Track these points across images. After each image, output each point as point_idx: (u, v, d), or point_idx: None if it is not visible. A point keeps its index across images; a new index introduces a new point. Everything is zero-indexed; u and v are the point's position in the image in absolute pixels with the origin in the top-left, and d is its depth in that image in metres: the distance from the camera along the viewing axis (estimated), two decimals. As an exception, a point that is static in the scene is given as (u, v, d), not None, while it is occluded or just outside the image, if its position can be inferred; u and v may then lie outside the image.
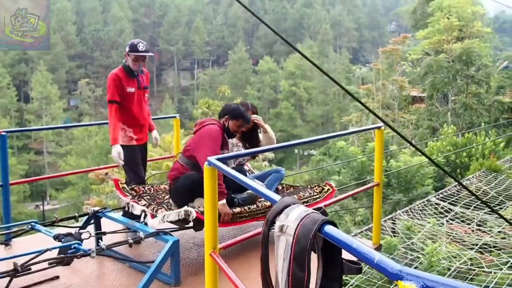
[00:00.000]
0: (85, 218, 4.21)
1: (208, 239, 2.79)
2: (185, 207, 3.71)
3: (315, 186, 4.85)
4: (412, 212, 10.98)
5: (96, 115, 64.36)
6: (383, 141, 4.15)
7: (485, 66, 30.22)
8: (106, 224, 4.20)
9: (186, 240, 4.48)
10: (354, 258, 1.52)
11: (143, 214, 3.90)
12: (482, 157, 17.44)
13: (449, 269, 8.16)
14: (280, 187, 4.93)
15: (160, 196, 4.54)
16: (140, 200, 4.26)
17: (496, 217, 11.38)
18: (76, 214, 4.12)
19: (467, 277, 8.11)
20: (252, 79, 69.94)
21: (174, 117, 6.27)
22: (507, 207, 12.02)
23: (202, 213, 3.66)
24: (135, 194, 4.43)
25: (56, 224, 3.94)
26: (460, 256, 9.01)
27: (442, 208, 11.42)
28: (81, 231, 3.43)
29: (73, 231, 3.43)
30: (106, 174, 4.73)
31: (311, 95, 64.70)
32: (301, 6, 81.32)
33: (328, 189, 4.71)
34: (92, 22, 74.20)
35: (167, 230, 3.75)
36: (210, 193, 2.74)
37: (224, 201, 3.80)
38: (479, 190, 12.74)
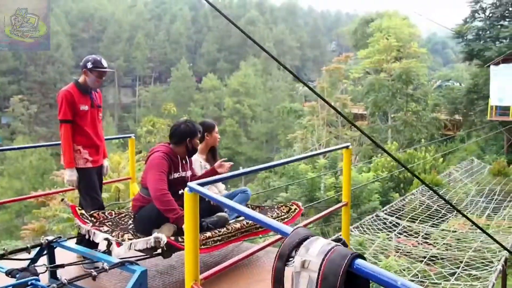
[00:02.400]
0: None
1: (189, 270, 2.65)
2: (155, 234, 3.56)
3: (282, 206, 4.75)
4: (362, 227, 11.21)
5: (30, 133, 61.23)
6: (350, 160, 4.20)
7: (422, 85, 31.61)
8: (60, 255, 3.83)
9: (148, 268, 4.22)
10: None
11: (106, 242, 3.63)
12: (424, 172, 18.09)
13: None
14: None
15: (123, 222, 4.28)
16: (102, 227, 3.98)
17: (440, 230, 11.84)
18: (28, 246, 3.72)
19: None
20: (195, 96, 69.42)
21: (129, 137, 6.02)
22: (449, 219, 12.53)
23: (175, 239, 3.62)
24: (95, 220, 4.13)
25: (4, 257, 3.54)
26: (410, 269, 9.27)
27: (390, 222, 11.72)
28: (35, 265, 3.17)
29: (23, 264, 3.17)
30: (62, 199, 4.47)
31: (255, 113, 64.90)
32: (245, 23, 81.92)
33: (295, 209, 4.63)
34: (27, 36, 71.56)
35: (133, 259, 3.54)
36: (192, 221, 2.61)
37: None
38: (423, 204, 13.20)
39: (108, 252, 3.68)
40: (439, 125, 31.45)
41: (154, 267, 4.21)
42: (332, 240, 1.65)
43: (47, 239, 3.72)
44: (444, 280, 8.57)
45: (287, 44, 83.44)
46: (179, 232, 3.74)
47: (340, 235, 3.66)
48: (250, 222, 4.12)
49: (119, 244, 3.56)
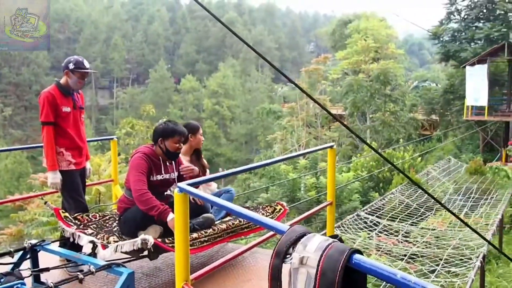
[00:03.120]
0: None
1: (180, 270, 2.64)
2: (142, 236, 3.53)
3: (266, 206, 4.74)
4: (343, 227, 11.26)
5: (5, 136, 60.28)
6: (335, 160, 4.21)
7: (400, 86, 31.97)
8: (44, 259, 3.76)
9: (134, 270, 4.18)
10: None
11: (92, 245, 3.62)
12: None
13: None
14: None
15: (107, 224, 4.23)
16: (86, 230, 3.94)
17: (420, 228, 11.98)
18: (11, 250, 3.69)
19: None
20: (174, 98, 69.12)
21: (112, 138, 5.99)
22: (428, 217, 12.69)
23: (161, 241, 3.58)
24: (79, 223, 4.08)
25: None
26: (391, 267, 9.36)
27: (370, 221, 11.80)
28: (19, 269, 3.12)
29: (7, 268, 3.13)
30: (45, 202, 4.40)
31: (235, 114, 64.84)
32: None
33: (280, 209, 4.62)
34: None
35: (120, 261, 3.50)
36: (182, 221, 2.59)
37: (172, 215, 3.58)
38: (402, 203, 13.34)
39: (93, 254, 3.63)
40: (416, 125, 31.87)
41: (139, 269, 4.17)
42: (329, 237, 1.67)
43: (30, 243, 3.66)
44: (425, 278, 8.65)
45: (266, 45, 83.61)
46: (165, 234, 3.73)
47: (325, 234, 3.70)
48: (236, 222, 4.14)
49: (104, 247, 3.53)
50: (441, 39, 28.38)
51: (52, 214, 13.84)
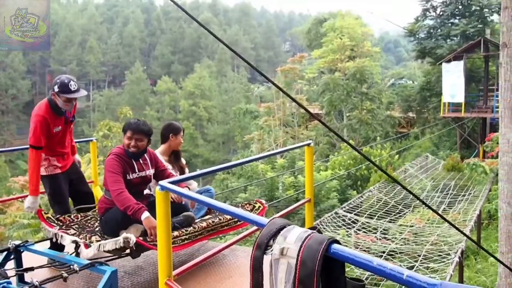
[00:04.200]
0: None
1: (163, 266, 2.69)
2: (124, 234, 3.59)
3: (246, 204, 4.86)
4: (322, 225, 11.27)
5: (-17, 142, 59.64)
6: (312, 158, 4.22)
7: (376, 84, 32.19)
8: (28, 259, 3.83)
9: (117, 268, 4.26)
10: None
11: (74, 244, 3.71)
12: (380, 169, 18.38)
13: (360, 277, 8.40)
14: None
15: (89, 224, 4.31)
16: (69, 230, 4.03)
17: (398, 225, 12.06)
18: None
19: (378, 283, 8.46)
20: (151, 100, 68.79)
21: (91, 140, 5.99)
22: (406, 214, 12.78)
23: (143, 239, 3.66)
24: (61, 224, 4.17)
25: None
26: (367, 255, 9.36)
27: (349, 219, 11.83)
28: (4, 269, 3.17)
29: None
30: (28, 207, 4.43)
31: (211, 115, 64.76)
32: (198, 25, 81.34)
33: (259, 206, 4.71)
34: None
35: (102, 259, 3.57)
36: (164, 218, 2.64)
37: (147, 213, 3.69)
38: (381, 201, 13.41)
39: (76, 254, 3.72)
40: (393, 122, 32.16)
41: (122, 268, 4.25)
42: (308, 228, 1.72)
43: (14, 244, 3.74)
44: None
45: (241, 45, 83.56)
46: (147, 232, 3.76)
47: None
48: (216, 220, 4.23)
49: (87, 246, 3.64)
50: (417, 36, 28.57)
51: (33, 217, 13.68)
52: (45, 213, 4.23)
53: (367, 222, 11.88)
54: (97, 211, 4.41)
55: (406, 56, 74.31)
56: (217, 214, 4.59)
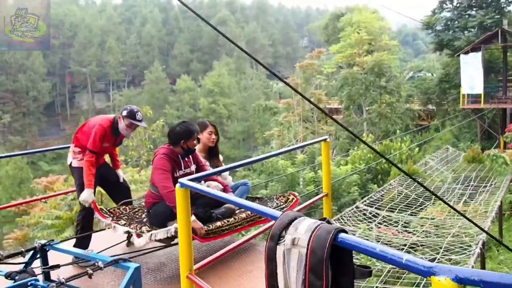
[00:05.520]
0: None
1: (184, 261, 2.78)
2: (175, 225, 3.85)
3: (280, 196, 5.12)
4: (343, 219, 11.30)
5: (4, 143, 60.51)
6: (329, 153, 4.32)
7: (395, 77, 31.98)
8: (54, 257, 3.91)
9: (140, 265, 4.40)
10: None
11: (127, 234, 4.12)
12: (401, 162, 18.34)
13: (382, 271, 8.46)
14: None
15: (137, 216, 4.66)
16: (120, 221, 4.38)
17: (419, 218, 12.05)
18: (23, 249, 3.80)
19: (400, 276, 8.50)
20: (170, 98, 69.07)
21: None
22: (427, 207, 12.75)
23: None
24: (112, 215, 4.50)
25: (1, 261, 3.63)
26: (372, 243, 9.39)
27: (370, 213, 11.84)
28: (32, 267, 3.25)
29: (19, 267, 3.24)
30: (84, 199, 4.78)
31: (231, 112, 64.78)
32: (216, 24, 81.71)
33: (293, 199, 4.97)
34: (-4, 44, 70.12)
35: (126, 256, 3.67)
36: (184, 214, 2.74)
37: (193, 217, 3.99)
38: (401, 194, 13.38)
39: (128, 243, 4.35)
40: (413, 115, 31.94)
41: (145, 265, 4.41)
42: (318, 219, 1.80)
43: (40, 243, 3.80)
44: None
45: (259, 42, 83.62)
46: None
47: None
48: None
49: (139, 236, 4.04)
50: (435, 28, 28.38)
51: (56, 217, 13.88)
52: (99, 204, 4.58)
53: (388, 216, 11.86)
54: (143, 204, 4.76)
55: (424, 49, 73.45)
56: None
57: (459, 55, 23.65)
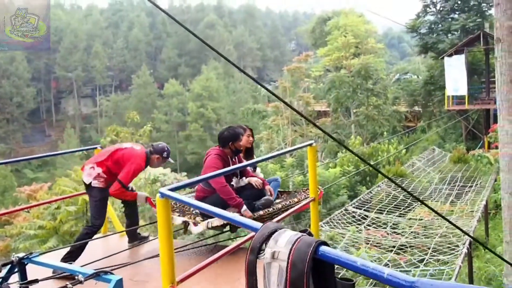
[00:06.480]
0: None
1: (165, 272, 2.72)
2: (232, 210, 4.61)
3: (306, 189, 5.53)
4: (332, 222, 11.35)
5: (-9, 150, 59.91)
6: (316, 157, 4.35)
7: (381, 79, 32.20)
8: (35, 271, 3.65)
9: (124, 277, 4.17)
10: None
11: (184, 224, 4.80)
12: (388, 164, 18.46)
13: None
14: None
15: (186, 209, 5.22)
16: (174, 213, 4.95)
17: (407, 219, 12.14)
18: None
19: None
20: (158, 103, 68.65)
21: (95, 148, 6.13)
22: (415, 208, 12.85)
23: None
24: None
25: None
26: (380, 259, 9.48)
27: (359, 215, 11.91)
28: (8, 283, 3.16)
29: None
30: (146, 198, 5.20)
31: (220, 116, 64.60)
32: (204, 28, 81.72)
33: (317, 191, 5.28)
34: (-21, 50, 69.19)
35: (107, 269, 3.47)
36: (164, 224, 2.67)
37: (245, 207, 4.79)
38: (389, 196, 13.48)
39: (185, 231, 4.95)
40: (400, 117, 32.13)
41: (127, 276, 4.23)
42: (299, 231, 1.76)
43: (17, 256, 3.56)
44: (414, 267, 8.77)
45: (247, 46, 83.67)
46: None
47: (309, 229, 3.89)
48: (287, 203, 5.19)
49: (195, 224, 4.72)
50: (419, 31, 28.72)
51: (40, 227, 13.68)
52: (153, 200, 4.89)
53: (377, 218, 11.94)
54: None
55: (410, 51, 73.90)
56: (282, 197, 5.76)
57: (443, 58, 23.98)
